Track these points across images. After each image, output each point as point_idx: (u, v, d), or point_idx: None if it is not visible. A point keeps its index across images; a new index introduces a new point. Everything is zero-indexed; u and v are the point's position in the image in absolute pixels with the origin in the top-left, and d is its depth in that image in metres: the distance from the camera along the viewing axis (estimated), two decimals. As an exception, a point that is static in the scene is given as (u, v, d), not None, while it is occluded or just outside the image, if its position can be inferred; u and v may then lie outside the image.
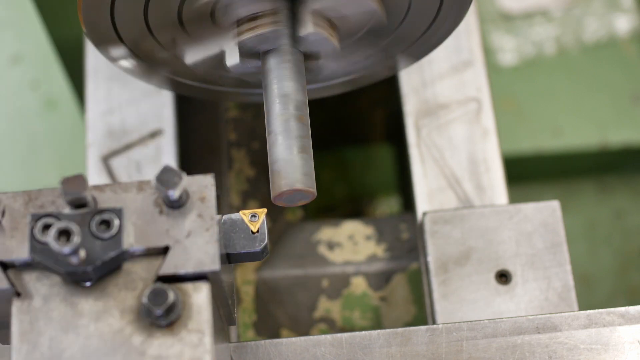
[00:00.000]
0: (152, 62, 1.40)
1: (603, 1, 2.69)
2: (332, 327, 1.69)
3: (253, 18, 1.29)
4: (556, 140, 2.56)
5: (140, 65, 1.40)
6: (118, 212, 1.04)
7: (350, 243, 1.72)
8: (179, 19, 1.30)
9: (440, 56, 1.68)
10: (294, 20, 1.30)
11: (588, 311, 1.24)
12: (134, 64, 1.40)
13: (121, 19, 1.28)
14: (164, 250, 1.06)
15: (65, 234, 1.00)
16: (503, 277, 1.45)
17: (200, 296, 1.05)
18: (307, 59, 1.34)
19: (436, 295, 1.44)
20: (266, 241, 1.14)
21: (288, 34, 1.30)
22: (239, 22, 1.30)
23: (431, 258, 1.46)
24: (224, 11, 1.29)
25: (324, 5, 1.29)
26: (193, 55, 1.36)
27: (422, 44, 1.42)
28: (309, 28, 1.29)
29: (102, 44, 1.34)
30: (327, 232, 1.74)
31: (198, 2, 1.27)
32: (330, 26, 1.30)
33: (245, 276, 1.69)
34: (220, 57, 1.35)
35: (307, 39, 1.30)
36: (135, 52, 1.36)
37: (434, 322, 1.42)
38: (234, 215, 1.15)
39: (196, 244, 1.05)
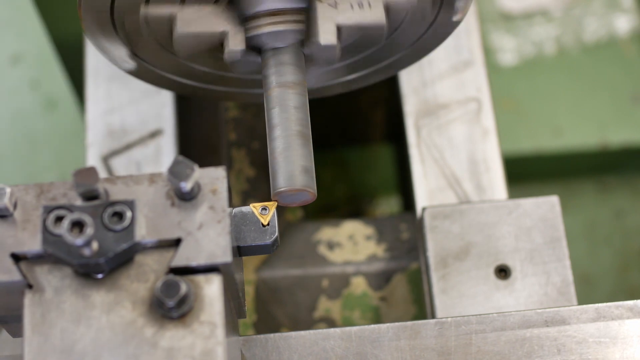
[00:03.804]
0: (152, 61, 1.39)
1: (603, 1, 2.70)
2: (332, 327, 1.68)
3: (275, 13, 1.28)
4: (556, 140, 2.57)
5: (141, 66, 1.40)
6: (130, 204, 1.05)
7: (350, 243, 1.72)
8: None
9: (440, 56, 1.68)
10: (311, 23, 1.30)
11: (596, 305, 1.25)
12: (135, 64, 1.39)
13: (121, 22, 1.28)
14: (176, 242, 1.06)
15: (78, 225, 1.00)
16: (502, 272, 1.45)
17: (212, 288, 1.05)
18: (306, 45, 1.34)
19: (435, 290, 1.44)
20: (277, 234, 1.14)
21: (302, 36, 1.30)
22: (257, 15, 1.29)
23: (430, 253, 1.46)
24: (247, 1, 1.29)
25: (343, 17, 1.29)
26: (187, 28, 1.34)
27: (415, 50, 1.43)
28: (330, 39, 1.29)
29: (102, 45, 1.34)
30: (327, 232, 1.74)
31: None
32: (274, 15, 1.29)
33: (245, 276, 1.69)
34: (211, 39, 1.33)
35: (320, 46, 1.29)
36: (137, 54, 1.36)
37: (433, 317, 1.42)
38: (244, 208, 1.15)
39: (208, 236, 1.05)
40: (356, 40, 1.34)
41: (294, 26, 1.28)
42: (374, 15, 1.30)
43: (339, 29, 1.29)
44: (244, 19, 1.29)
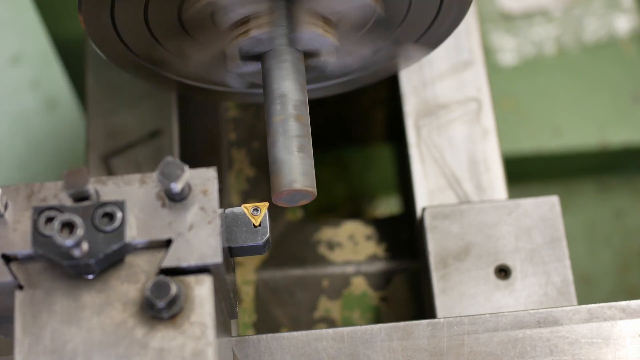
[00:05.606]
0: (154, 63, 1.40)
1: (603, 1, 2.69)
2: (332, 327, 1.68)
3: (247, 20, 1.29)
4: (556, 140, 2.56)
5: (142, 67, 1.40)
6: (121, 205, 1.04)
7: (351, 243, 1.72)
8: (179, 21, 1.30)
9: (440, 56, 1.68)
10: (289, 20, 1.30)
11: (589, 305, 1.25)
12: (136, 65, 1.40)
13: (122, 22, 1.28)
14: (167, 243, 1.06)
15: (68, 226, 1.00)
16: (502, 272, 1.45)
17: (202, 289, 1.05)
18: (308, 57, 1.34)
19: (436, 290, 1.44)
20: (268, 235, 1.14)
21: (284, 35, 1.30)
22: (236, 25, 1.30)
23: (431, 253, 1.46)
24: (222, 14, 1.29)
25: (317, 4, 1.29)
26: (196, 56, 1.36)
27: (430, 35, 1.43)
28: (301, 27, 1.29)
29: (103, 47, 1.34)
30: (327, 232, 1.74)
31: (196, 5, 1.27)
32: (325, 23, 1.31)
33: (245, 276, 1.69)
34: (223, 58, 1.35)
35: (301, 37, 1.30)
36: (137, 54, 1.37)
37: (433, 317, 1.42)
38: (236, 209, 1.15)
39: (198, 237, 1.05)
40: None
41: (269, 28, 1.29)
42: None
43: (319, 15, 1.30)
44: (291, 11, 1.30)
